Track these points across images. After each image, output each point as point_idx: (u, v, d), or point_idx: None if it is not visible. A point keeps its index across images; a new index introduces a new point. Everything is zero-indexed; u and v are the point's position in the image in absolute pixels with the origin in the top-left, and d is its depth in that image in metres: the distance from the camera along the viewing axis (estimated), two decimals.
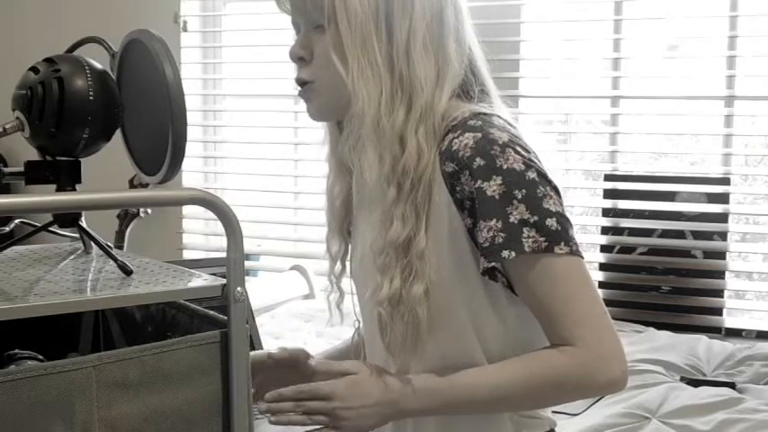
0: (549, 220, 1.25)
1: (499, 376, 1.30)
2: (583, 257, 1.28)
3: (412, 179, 1.29)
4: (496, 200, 1.25)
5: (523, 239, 1.24)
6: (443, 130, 1.30)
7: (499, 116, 1.33)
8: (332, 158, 1.46)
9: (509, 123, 1.33)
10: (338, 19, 1.29)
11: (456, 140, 1.28)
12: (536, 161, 1.28)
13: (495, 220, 1.25)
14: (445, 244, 1.30)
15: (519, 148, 1.27)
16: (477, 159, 1.25)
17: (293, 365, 1.46)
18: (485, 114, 1.31)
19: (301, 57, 1.36)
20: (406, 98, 1.30)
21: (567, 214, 1.29)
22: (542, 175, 1.27)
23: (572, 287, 1.27)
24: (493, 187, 1.25)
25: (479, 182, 1.25)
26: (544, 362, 1.29)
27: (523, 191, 1.25)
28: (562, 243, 1.25)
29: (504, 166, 1.25)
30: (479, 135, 1.27)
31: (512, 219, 1.24)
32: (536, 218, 1.24)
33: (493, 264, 1.26)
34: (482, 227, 1.26)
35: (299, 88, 1.38)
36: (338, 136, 1.43)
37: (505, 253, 1.24)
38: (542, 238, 1.24)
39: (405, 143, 1.29)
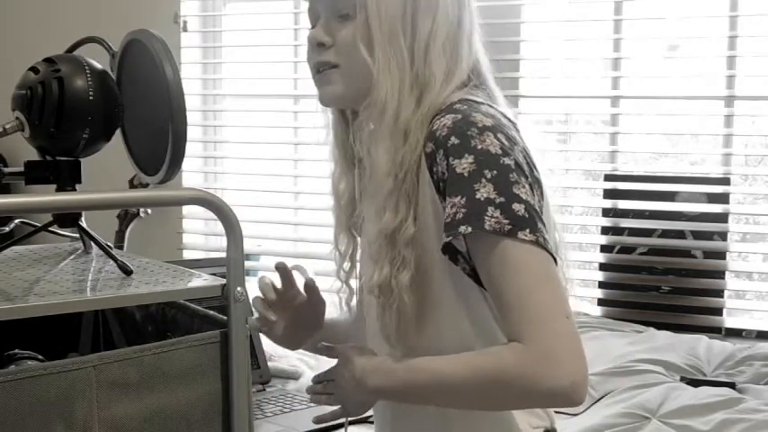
0: (516, 204, 1.22)
1: (443, 363, 1.28)
2: (551, 253, 1.24)
3: (405, 169, 1.30)
4: (465, 177, 1.23)
5: (486, 217, 1.21)
6: (431, 117, 1.31)
7: (491, 105, 1.33)
8: (337, 152, 1.46)
9: (504, 116, 1.33)
10: (368, 9, 1.31)
11: (437, 122, 1.29)
12: (517, 153, 1.27)
13: (459, 197, 1.23)
14: (432, 229, 1.30)
15: (500, 135, 1.26)
16: (452, 138, 1.25)
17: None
18: (473, 101, 1.32)
19: (322, 42, 1.36)
20: (418, 94, 1.32)
21: (538, 208, 1.26)
22: (519, 165, 1.25)
23: (531, 280, 1.22)
24: (463, 165, 1.24)
25: (450, 159, 1.25)
26: (491, 356, 1.25)
27: (494, 172, 1.23)
28: (527, 230, 1.22)
29: (479, 147, 1.24)
30: (459, 116, 1.27)
31: (477, 196, 1.22)
32: (503, 199, 1.22)
33: (450, 239, 1.24)
34: (447, 203, 1.25)
35: (318, 73, 1.38)
36: (344, 129, 1.44)
37: (463, 228, 1.22)
38: (506, 221, 1.21)
39: (408, 136, 1.31)
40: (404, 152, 1.31)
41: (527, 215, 1.23)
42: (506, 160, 1.24)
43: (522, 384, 1.21)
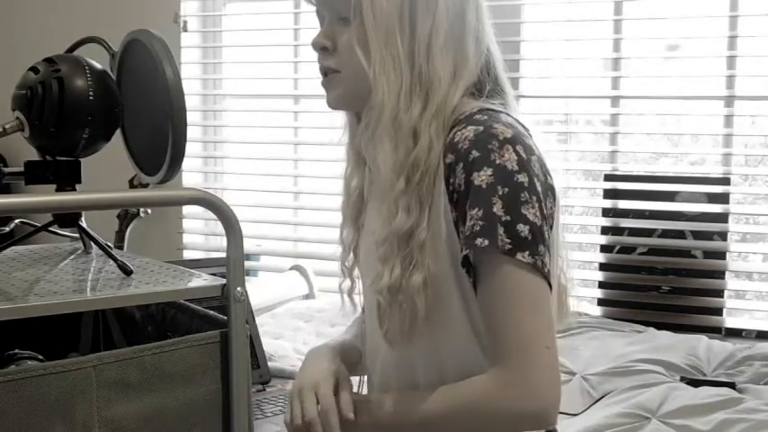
0: (520, 225, 1.24)
1: (425, 392, 1.33)
2: (548, 281, 1.26)
3: (421, 172, 1.31)
4: (483, 189, 1.25)
5: (496, 234, 1.24)
6: (450, 124, 1.32)
7: (508, 114, 1.33)
8: (350, 150, 1.47)
9: (519, 123, 1.34)
10: (363, 12, 1.31)
11: (459, 133, 1.29)
12: (535, 166, 1.28)
13: (477, 209, 1.25)
14: (443, 234, 1.30)
15: (519, 148, 1.27)
16: (474, 152, 1.26)
17: None
18: (492, 110, 1.32)
19: (324, 47, 1.38)
20: (424, 93, 1.32)
21: (546, 231, 1.27)
22: (533, 182, 1.26)
23: (519, 306, 1.25)
24: (482, 177, 1.25)
25: (470, 172, 1.26)
26: (467, 382, 1.30)
27: (506, 189, 1.24)
28: (527, 252, 1.24)
29: (497, 161, 1.25)
30: (481, 128, 1.28)
31: (493, 209, 1.24)
32: (508, 218, 1.24)
33: (468, 251, 1.26)
34: (467, 216, 1.26)
35: (323, 77, 1.40)
36: (356, 131, 1.45)
37: (479, 240, 1.24)
38: (508, 240, 1.24)
39: (418, 137, 1.31)
40: (416, 153, 1.31)
41: (530, 237, 1.24)
42: (520, 177, 1.25)
43: (494, 406, 1.27)
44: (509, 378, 1.25)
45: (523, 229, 1.24)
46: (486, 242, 1.24)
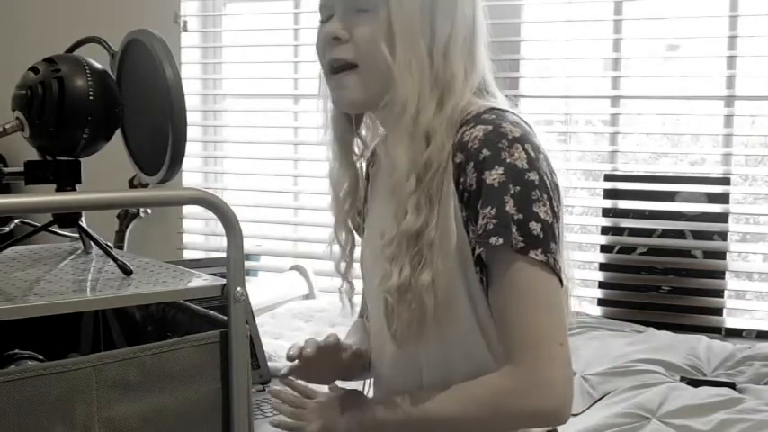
0: (533, 223, 1.25)
1: (436, 391, 1.33)
2: (560, 279, 1.27)
3: (432, 171, 1.31)
4: (495, 188, 1.26)
5: (510, 231, 1.24)
6: (458, 124, 1.32)
7: (514, 113, 1.34)
8: (337, 148, 1.46)
9: (524, 122, 1.34)
10: (391, 6, 1.30)
11: (468, 132, 1.29)
12: (543, 165, 1.29)
13: (490, 208, 1.26)
14: (452, 234, 1.31)
15: (528, 146, 1.28)
16: (484, 151, 1.27)
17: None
18: (499, 110, 1.33)
19: (337, 36, 1.34)
20: (439, 94, 1.33)
21: (557, 228, 1.28)
22: (543, 181, 1.27)
23: (533, 303, 1.26)
24: (493, 176, 1.26)
25: (481, 171, 1.26)
26: (479, 380, 1.30)
27: (517, 188, 1.25)
28: (539, 250, 1.24)
29: (508, 160, 1.26)
30: (490, 128, 1.28)
31: (506, 208, 1.25)
32: (521, 216, 1.25)
33: (481, 250, 1.27)
34: (480, 215, 1.27)
35: (334, 73, 1.35)
36: (346, 127, 1.44)
37: (494, 239, 1.25)
38: (521, 238, 1.24)
39: (431, 137, 1.31)
40: (428, 154, 1.31)
41: (542, 235, 1.25)
42: (531, 176, 1.26)
43: (510, 405, 1.27)
44: (524, 376, 1.25)
45: (536, 227, 1.25)
46: (501, 241, 1.24)
